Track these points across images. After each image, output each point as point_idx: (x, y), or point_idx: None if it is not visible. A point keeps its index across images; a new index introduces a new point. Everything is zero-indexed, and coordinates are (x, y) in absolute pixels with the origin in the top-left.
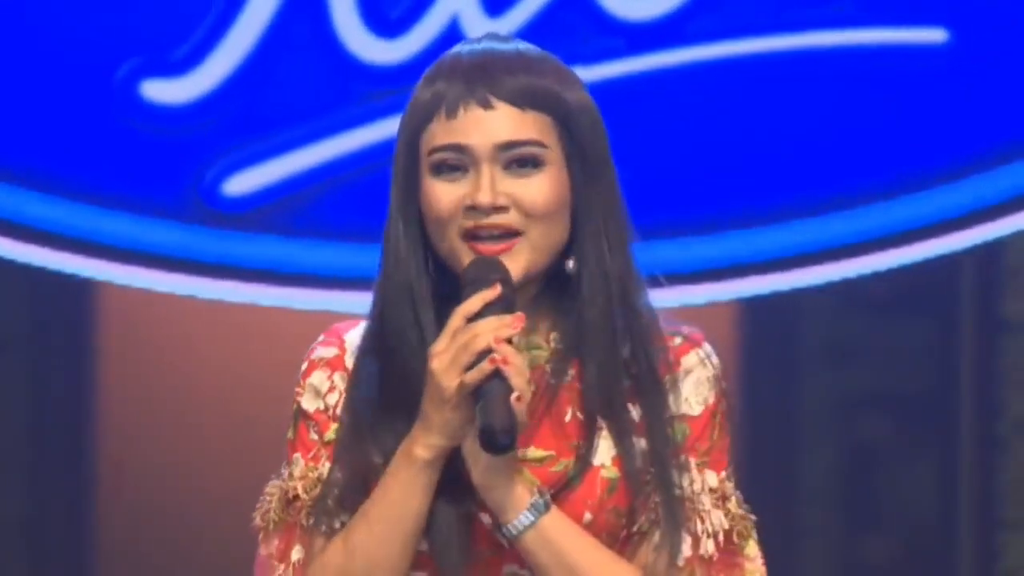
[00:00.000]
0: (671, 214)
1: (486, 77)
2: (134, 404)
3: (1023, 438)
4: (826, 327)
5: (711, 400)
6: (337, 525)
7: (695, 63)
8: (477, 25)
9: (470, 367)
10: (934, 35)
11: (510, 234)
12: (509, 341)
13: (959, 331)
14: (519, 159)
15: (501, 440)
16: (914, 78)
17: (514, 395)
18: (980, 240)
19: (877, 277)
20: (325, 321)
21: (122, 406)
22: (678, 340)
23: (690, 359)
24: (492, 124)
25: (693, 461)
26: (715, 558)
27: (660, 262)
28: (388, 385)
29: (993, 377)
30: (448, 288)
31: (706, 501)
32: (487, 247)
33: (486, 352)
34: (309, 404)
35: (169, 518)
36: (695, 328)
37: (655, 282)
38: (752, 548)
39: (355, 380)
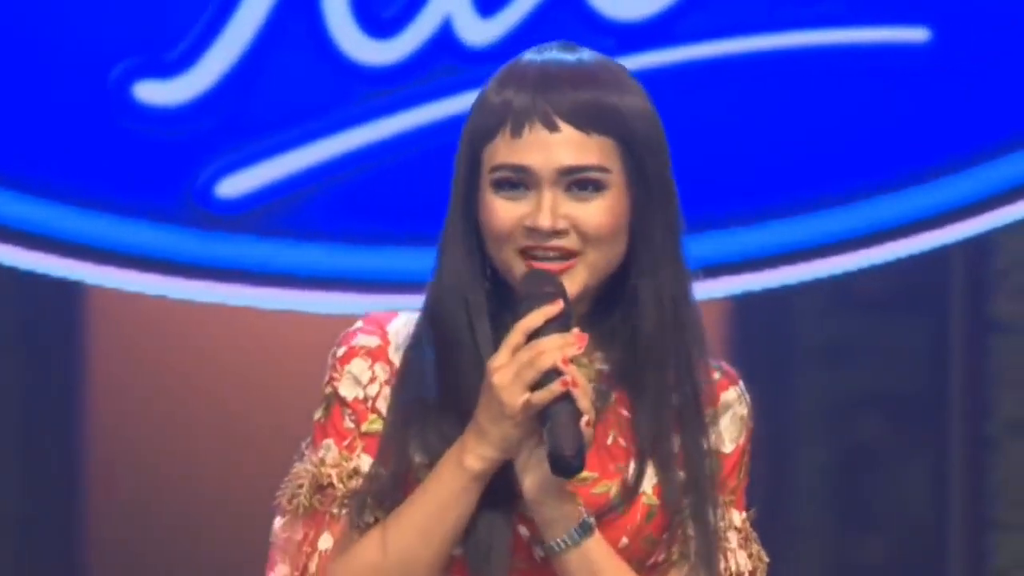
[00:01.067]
0: None
1: (552, 92)
2: (125, 405)
3: (1014, 438)
4: (817, 327)
5: (742, 440)
6: (371, 520)
7: (684, 63)
8: (469, 26)
9: (535, 385)
10: (917, 34)
11: (567, 255)
12: (572, 360)
13: (950, 331)
14: (580, 183)
15: (574, 464)
16: (898, 77)
17: (583, 419)
18: (964, 236)
19: (867, 276)
20: (319, 323)
21: (113, 407)
22: (718, 375)
23: (729, 395)
24: (556, 147)
25: (723, 498)
26: None
27: None
28: (437, 387)
29: (984, 377)
30: (501, 296)
31: (732, 539)
32: (544, 265)
33: (552, 371)
34: (347, 391)
35: (160, 518)
36: (725, 363)
37: (694, 275)
38: None
39: (403, 377)
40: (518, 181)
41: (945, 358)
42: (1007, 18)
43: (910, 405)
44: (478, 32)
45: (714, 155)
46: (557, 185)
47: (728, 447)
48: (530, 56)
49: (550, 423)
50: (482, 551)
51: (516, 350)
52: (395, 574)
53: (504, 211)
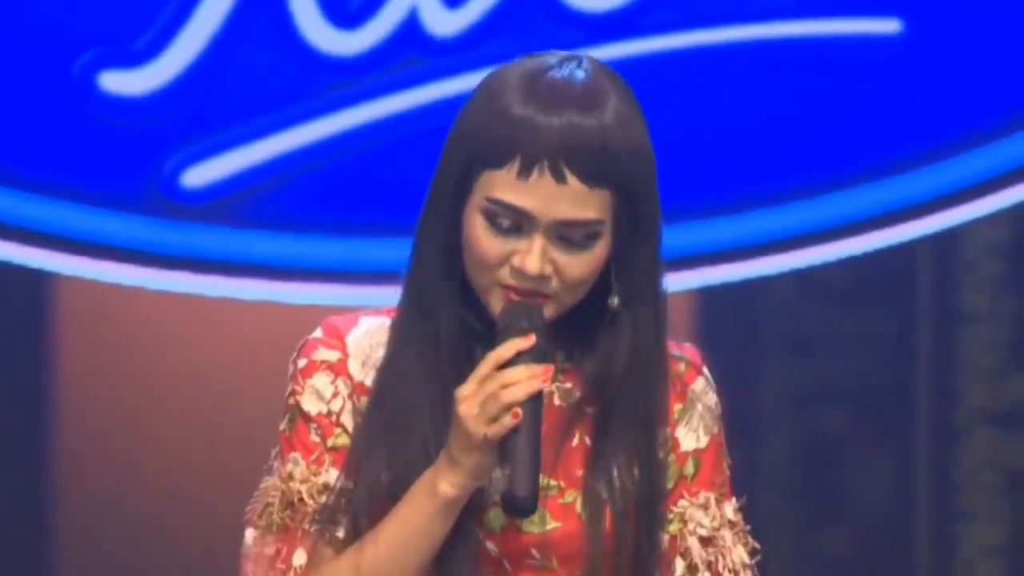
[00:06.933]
0: None
1: (569, 144)
2: (93, 398)
3: (980, 429)
4: (784, 318)
5: (715, 429)
6: (340, 534)
7: (652, 54)
8: (436, 17)
9: (497, 419)
10: (888, 26)
11: (541, 295)
12: (540, 394)
13: (917, 322)
14: (573, 235)
15: (526, 507)
16: (869, 69)
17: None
18: (935, 229)
19: (833, 267)
20: (285, 313)
21: (81, 400)
22: (683, 366)
23: (697, 386)
24: (560, 199)
25: (712, 496)
26: None
27: None
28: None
29: (950, 368)
30: (467, 299)
31: (727, 537)
32: (519, 298)
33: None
34: (311, 406)
35: (128, 515)
36: (689, 345)
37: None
38: None
39: (378, 388)
40: (514, 221)
41: (912, 349)
42: (980, 11)
43: (877, 396)
44: (444, 23)
45: (681, 146)
46: (550, 232)
47: (703, 441)
48: (552, 75)
49: (507, 461)
50: (451, 569)
51: (484, 381)
52: None
53: (493, 245)
